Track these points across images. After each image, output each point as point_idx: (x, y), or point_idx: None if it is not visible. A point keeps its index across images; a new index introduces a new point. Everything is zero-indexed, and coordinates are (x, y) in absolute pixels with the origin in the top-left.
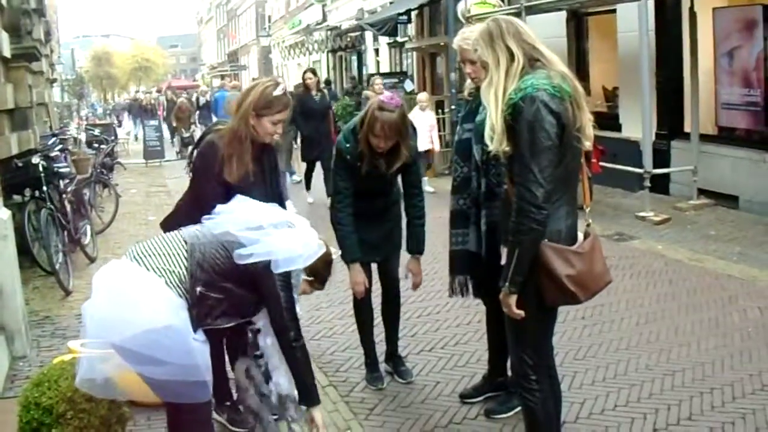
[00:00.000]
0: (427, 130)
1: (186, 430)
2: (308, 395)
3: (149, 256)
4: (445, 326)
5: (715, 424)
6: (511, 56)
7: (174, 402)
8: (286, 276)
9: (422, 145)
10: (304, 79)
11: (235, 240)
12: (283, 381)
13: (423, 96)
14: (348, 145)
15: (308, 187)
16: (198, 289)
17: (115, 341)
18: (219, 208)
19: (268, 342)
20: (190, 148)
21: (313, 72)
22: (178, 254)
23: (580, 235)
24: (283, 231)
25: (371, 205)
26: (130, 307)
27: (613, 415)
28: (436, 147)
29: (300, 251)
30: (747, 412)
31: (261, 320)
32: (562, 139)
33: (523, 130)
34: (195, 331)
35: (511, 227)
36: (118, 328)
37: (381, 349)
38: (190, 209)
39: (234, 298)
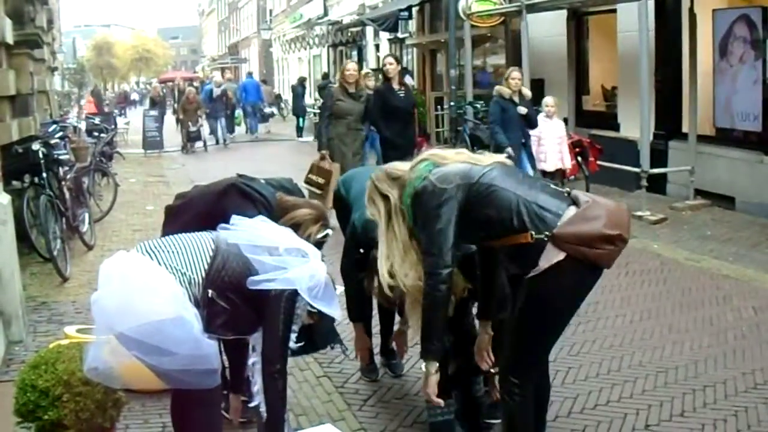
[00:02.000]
0: (555, 143)
1: (192, 413)
2: (275, 427)
3: (166, 252)
4: None
5: (707, 422)
6: (386, 198)
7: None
8: (291, 306)
9: (551, 163)
10: (383, 66)
11: (253, 262)
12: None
13: (549, 100)
14: (362, 250)
15: None
16: (210, 291)
17: (122, 331)
18: (237, 219)
19: (257, 366)
20: (198, 143)
21: (396, 59)
22: (202, 256)
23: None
24: (296, 260)
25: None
26: (138, 297)
27: (606, 410)
28: (567, 164)
29: (309, 284)
30: (739, 410)
31: (257, 341)
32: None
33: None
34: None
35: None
36: (125, 318)
37: (376, 341)
38: (202, 220)
39: (237, 313)
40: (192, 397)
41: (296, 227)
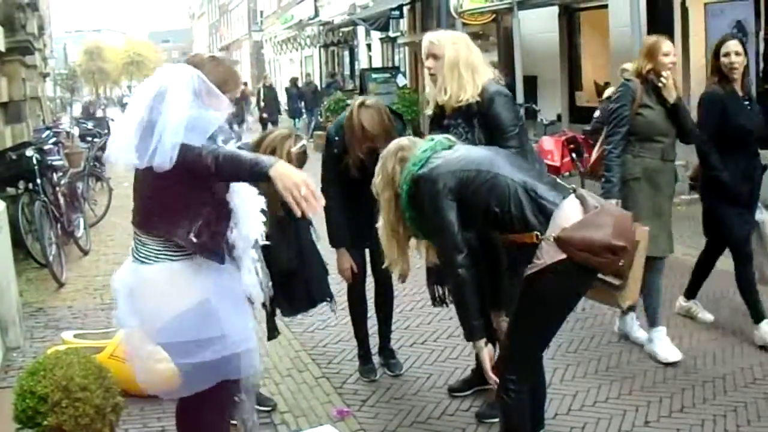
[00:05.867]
0: None
1: (202, 418)
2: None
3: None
4: (438, 319)
5: (707, 417)
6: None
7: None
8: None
9: None
10: (725, 55)
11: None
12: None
13: None
14: (337, 139)
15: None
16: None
17: (160, 342)
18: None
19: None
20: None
21: (745, 48)
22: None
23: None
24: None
25: (364, 190)
26: (149, 302)
27: (605, 407)
28: None
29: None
30: (738, 405)
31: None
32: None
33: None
34: (221, 259)
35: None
36: (153, 327)
37: (374, 341)
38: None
39: (187, 199)
40: (202, 400)
41: (273, 152)
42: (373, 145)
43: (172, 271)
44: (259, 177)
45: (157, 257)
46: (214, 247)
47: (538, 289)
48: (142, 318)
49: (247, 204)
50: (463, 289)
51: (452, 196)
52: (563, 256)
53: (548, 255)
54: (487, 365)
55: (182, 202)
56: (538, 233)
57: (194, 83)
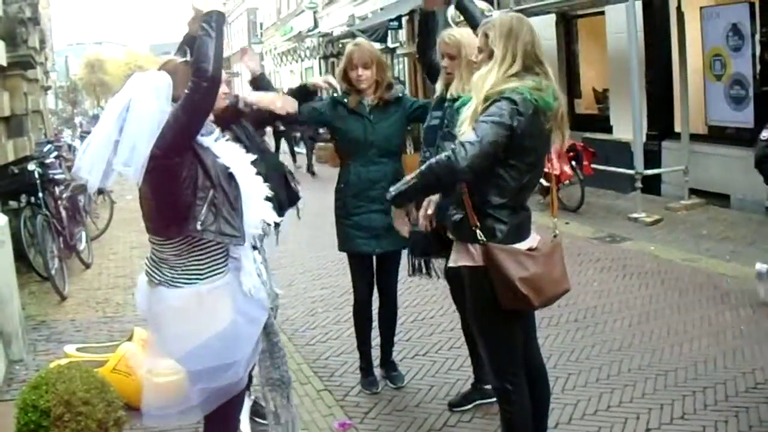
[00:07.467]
0: None
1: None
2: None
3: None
4: (440, 330)
5: (708, 423)
6: (513, 59)
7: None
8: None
9: None
10: None
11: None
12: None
13: None
14: (336, 95)
15: None
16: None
17: (190, 369)
18: None
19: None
20: None
21: None
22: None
23: (535, 236)
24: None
25: (375, 182)
26: (176, 329)
27: (607, 415)
28: None
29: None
30: (740, 410)
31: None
32: (513, 143)
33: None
34: (242, 240)
35: (428, 163)
36: (173, 352)
37: (376, 353)
38: None
39: (189, 191)
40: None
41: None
42: (367, 76)
43: (200, 295)
44: (214, 21)
45: (189, 279)
46: (229, 231)
47: (472, 285)
48: (166, 344)
49: (250, 193)
50: (428, 183)
51: (504, 135)
52: (480, 263)
53: (479, 257)
54: (397, 217)
55: (185, 196)
56: (481, 233)
57: (164, 90)
